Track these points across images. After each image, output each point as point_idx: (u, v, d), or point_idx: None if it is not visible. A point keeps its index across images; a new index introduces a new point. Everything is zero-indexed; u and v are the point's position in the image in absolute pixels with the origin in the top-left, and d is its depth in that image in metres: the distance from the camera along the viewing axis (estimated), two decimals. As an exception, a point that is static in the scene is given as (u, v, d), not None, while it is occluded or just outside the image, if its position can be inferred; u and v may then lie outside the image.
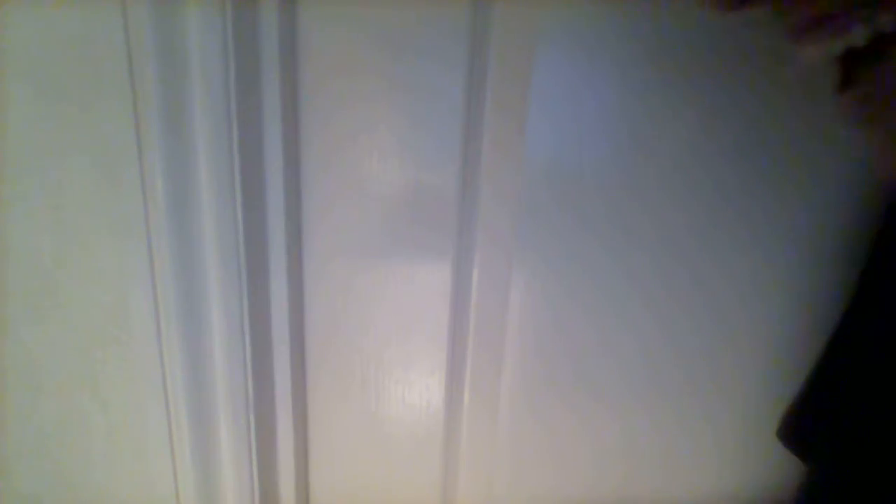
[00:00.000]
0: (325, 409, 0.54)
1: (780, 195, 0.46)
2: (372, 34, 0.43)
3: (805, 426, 0.46)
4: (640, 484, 0.55)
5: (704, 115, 0.44)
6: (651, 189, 0.46)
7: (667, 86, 0.43)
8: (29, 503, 0.54)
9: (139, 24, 0.38)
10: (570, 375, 0.51)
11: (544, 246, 0.47)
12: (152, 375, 0.48)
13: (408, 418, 0.53)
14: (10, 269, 0.47)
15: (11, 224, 0.45)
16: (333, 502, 0.57)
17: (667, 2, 0.41)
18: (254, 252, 0.45)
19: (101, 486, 0.53)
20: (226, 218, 0.43)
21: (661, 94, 0.43)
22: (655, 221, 0.46)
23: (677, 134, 0.44)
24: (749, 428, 0.53)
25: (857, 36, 0.24)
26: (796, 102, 0.43)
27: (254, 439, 0.50)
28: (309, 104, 0.45)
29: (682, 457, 0.54)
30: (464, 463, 0.55)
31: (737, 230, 0.47)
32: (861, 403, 0.41)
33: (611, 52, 0.42)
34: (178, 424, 0.48)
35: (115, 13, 0.38)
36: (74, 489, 0.54)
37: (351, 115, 0.44)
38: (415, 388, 0.52)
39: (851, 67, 0.26)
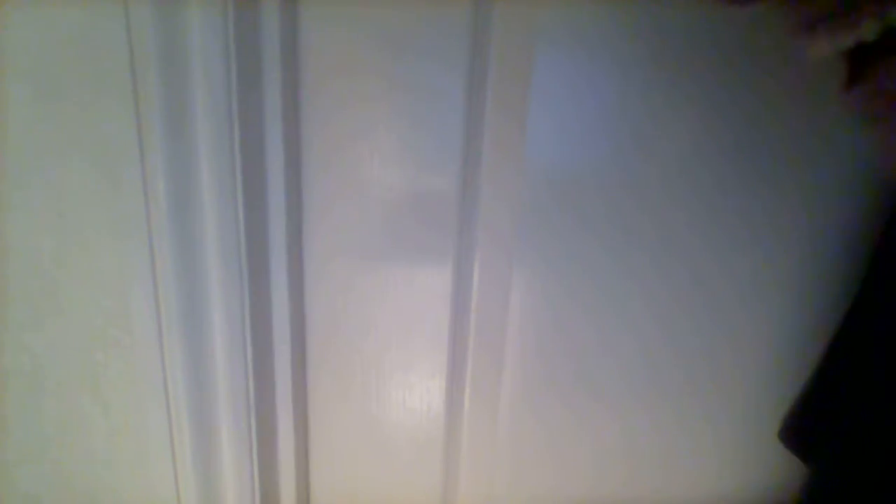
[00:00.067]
0: (326, 410, 0.54)
1: (781, 195, 0.46)
2: (373, 34, 0.43)
3: (806, 427, 0.46)
4: (641, 484, 0.55)
5: (705, 115, 0.44)
6: (652, 189, 0.46)
7: (668, 85, 0.43)
8: (29, 505, 0.54)
9: (141, 24, 0.38)
10: (571, 376, 0.51)
11: (545, 246, 0.47)
12: (153, 377, 0.48)
13: (408, 421, 0.53)
14: (10, 270, 0.47)
15: (12, 225, 0.45)
16: (334, 504, 0.57)
17: (668, 1, 0.41)
18: (255, 253, 0.45)
19: (101, 488, 0.53)
20: (227, 218, 0.43)
21: (663, 94, 0.43)
22: (656, 221, 0.46)
23: (678, 133, 0.44)
24: (750, 428, 0.52)
25: (868, 30, 0.24)
26: (798, 102, 0.43)
27: (255, 441, 0.50)
28: (310, 104, 0.45)
29: (682, 457, 0.54)
30: (464, 464, 0.55)
31: (737, 230, 0.47)
32: (863, 405, 0.41)
33: (611, 52, 0.42)
34: (178, 426, 0.48)
35: (117, 13, 0.38)
36: (75, 491, 0.53)
37: (352, 115, 0.44)
38: (415, 391, 0.52)
39: (859, 63, 0.26)
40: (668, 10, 0.41)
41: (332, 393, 0.53)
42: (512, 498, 0.55)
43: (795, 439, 0.47)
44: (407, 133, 0.45)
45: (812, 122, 0.44)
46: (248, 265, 0.44)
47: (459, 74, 0.43)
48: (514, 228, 0.47)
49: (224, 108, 0.40)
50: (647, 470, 0.54)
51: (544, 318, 0.50)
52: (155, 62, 0.38)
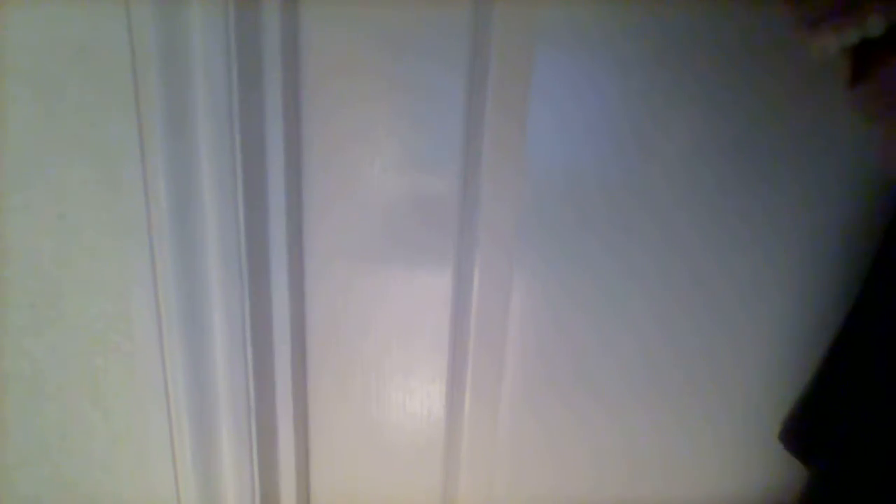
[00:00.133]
0: (326, 412, 0.54)
1: (782, 195, 0.46)
2: (373, 34, 0.43)
3: (808, 429, 0.46)
4: (641, 485, 0.54)
5: (706, 114, 0.44)
6: (652, 188, 0.46)
7: (668, 84, 0.43)
8: (28, 508, 0.54)
9: (142, 24, 0.38)
10: (571, 377, 0.51)
11: (545, 246, 0.47)
12: (154, 381, 0.47)
13: (409, 422, 0.53)
14: (11, 274, 0.46)
15: (12, 227, 0.45)
16: (334, 506, 0.57)
17: (669, 0, 0.41)
18: (255, 253, 0.45)
19: (102, 492, 0.53)
20: (228, 219, 0.43)
21: (663, 93, 0.43)
22: (657, 221, 0.46)
23: (679, 133, 0.44)
24: (750, 429, 0.52)
25: (873, 26, 0.23)
26: (798, 101, 0.43)
27: (255, 444, 0.49)
28: (310, 104, 0.45)
29: (682, 458, 0.54)
30: (464, 465, 0.54)
31: (738, 230, 0.47)
32: (864, 407, 0.40)
33: (612, 51, 0.43)
34: (179, 430, 0.48)
35: (118, 13, 0.38)
36: (75, 494, 0.53)
37: (352, 115, 0.44)
38: (416, 393, 0.52)
39: (863, 61, 0.26)
40: (668, 9, 0.41)
41: (332, 394, 0.53)
42: (512, 499, 0.55)
43: (796, 441, 0.47)
44: (407, 133, 0.45)
45: (813, 122, 0.44)
46: (248, 266, 0.44)
47: (460, 74, 0.43)
48: (514, 228, 0.47)
49: (225, 109, 0.40)
50: (647, 471, 0.54)
51: (545, 318, 0.50)
52: (156, 62, 0.38)
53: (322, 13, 0.42)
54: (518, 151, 0.45)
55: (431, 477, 0.55)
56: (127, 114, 0.40)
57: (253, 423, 0.49)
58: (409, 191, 0.46)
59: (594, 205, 0.46)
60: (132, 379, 0.48)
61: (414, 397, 0.52)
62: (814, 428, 0.45)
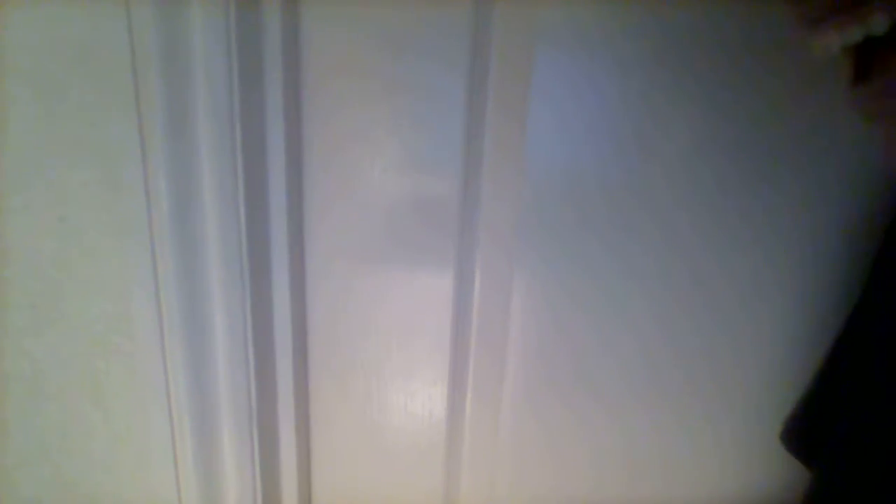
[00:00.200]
0: (328, 413, 0.54)
1: (782, 195, 0.46)
2: (373, 34, 0.43)
3: (809, 430, 0.46)
4: (642, 486, 0.54)
5: (707, 114, 0.44)
6: (653, 188, 0.46)
7: (669, 84, 0.43)
8: (29, 510, 0.54)
9: (143, 25, 0.38)
10: (572, 377, 0.51)
11: (546, 247, 0.47)
12: (155, 383, 0.47)
13: (410, 423, 0.53)
14: (12, 274, 0.46)
15: (12, 228, 0.45)
16: (335, 507, 0.57)
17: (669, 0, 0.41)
18: (256, 254, 0.45)
19: (102, 493, 0.53)
20: (229, 220, 0.43)
21: (663, 93, 0.43)
22: (657, 221, 0.46)
23: (679, 133, 0.44)
24: (751, 429, 0.52)
25: (877, 24, 0.23)
26: (799, 101, 0.43)
27: (256, 445, 0.49)
28: (311, 104, 0.45)
29: (683, 459, 0.53)
30: (466, 466, 0.54)
31: (739, 229, 0.47)
32: (866, 407, 0.40)
33: (612, 51, 0.43)
34: (180, 430, 0.48)
35: (118, 13, 0.38)
36: (76, 495, 0.53)
37: (352, 115, 0.44)
38: (417, 394, 0.52)
39: (866, 60, 0.26)
40: (668, 9, 0.41)
41: (333, 395, 0.53)
42: (513, 499, 0.55)
43: (797, 442, 0.47)
44: (408, 133, 0.45)
45: (813, 122, 0.44)
46: (249, 267, 0.44)
47: (460, 74, 0.43)
48: (515, 229, 0.47)
49: (226, 109, 0.40)
50: (647, 471, 0.54)
51: (545, 318, 0.50)
52: (156, 63, 0.38)
53: (322, 13, 0.42)
54: (518, 152, 0.45)
55: (433, 478, 0.55)
56: (127, 114, 0.40)
57: (254, 424, 0.49)
58: (410, 191, 0.46)
59: (594, 205, 0.46)
60: (133, 379, 0.48)
61: (415, 398, 0.52)
62: (815, 429, 0.45)
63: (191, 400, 0.47)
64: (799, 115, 0.44)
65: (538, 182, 0.46)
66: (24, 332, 0.48)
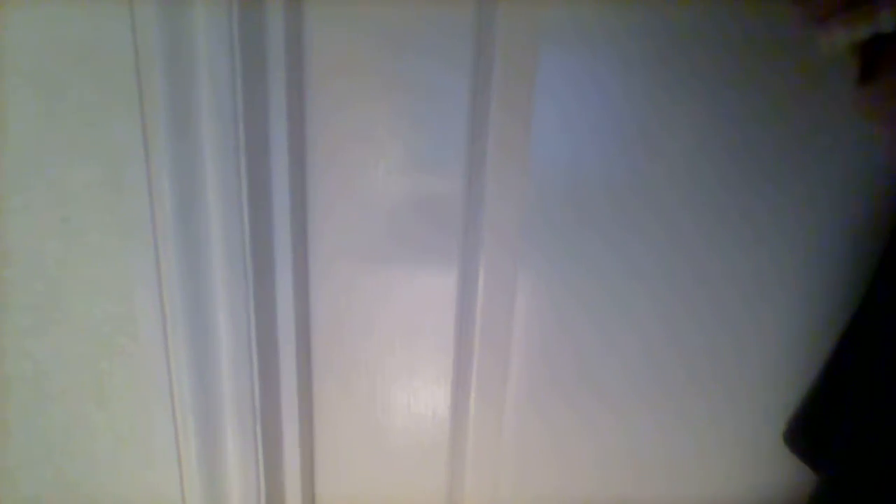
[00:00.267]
0: (331, 413, 0.54)
1: (786, 194, 0.46)
2: (377, 34, 0.42)
3: (812, 431, 0.46)
4: (646, 486, 0.54)
5: (711, 113, 0.44)
6: (657, 188, 0.45)
7: (673, 83, 0.43)
8: (31, 511, 0.54)
9: (146, 24, 0.38)
10: (576, 377, 0.51)
11: (550, 246, 0.47)
12: (159, 384, 0.47)
13: (413, 423, 0.53)
14: (15, 275, 0.46)
15: (16, 229, 0.45)
16: (339, 508, 0.56)
17: None
18: (260, 254, 0.45)
19: (105, 494, 0.52)
20: (232, 219, 0.43)
21: (668, 92, 0.43)
22: (661, 221, 0.46)
23: (684, 132, 0.44)
24: (758, 429, 0.52)
25: (885, 21, 0.23)
26: (803, 100, 0.43)
27: (260, 445, 0.49)
28: (314, 104, 0.44)
29: (687, 459, 0.53)
30: (469, 466, 0.54)
31: (743, 229, 0.47)
32: (870, 408, 0.40)
33: (616, 50, 0.42)
34: (184, 431, 0.48)
35: (121, 13, 0.38)
36: (78, 496, 0.53)
37: (356, 114, 0.44)
38: (420, 395, 0.52)
39: (873, 59, 0.26)
40: (672, 8, 0.41)
41: (336, 395, 0.53)
42: (517, 499, 0.55)
43: (801, 443, 0.47)
44: (411, 133, 0.45)
45: (818, 121, 0.44)
46: (252, 267, 0.44)
47: (464, 74, 0.43)
48: (519, 228, 0.47)
49: (229, 109, 0.40)
50: (652, 471, 0.54)
51: (549, 318, 0.49)
52: (159, 62, 0.38)
53: (325, 13, 0.42)
54: (522, 151, 0.45)
55: (436, 478, 0.55)
56: (130, 114, 0.40)
57: (258, 424, 0.49)
58: (414, 191, 0.46)
59: (598, 204, 0.46)
60: (136, 380, 0.48)
61: (419, 398, 0.52)
62: (818, 429, 0.45)
63: (194, 400, 0.47)
64: (803, 114, 0.43)
65: (542, 181, 0.46)
66: (27, 332, 0.48)
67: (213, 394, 0.47)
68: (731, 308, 0.49)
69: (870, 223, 0.46)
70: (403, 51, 0.43)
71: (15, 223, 0.45)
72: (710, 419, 0.52)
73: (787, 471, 0.52)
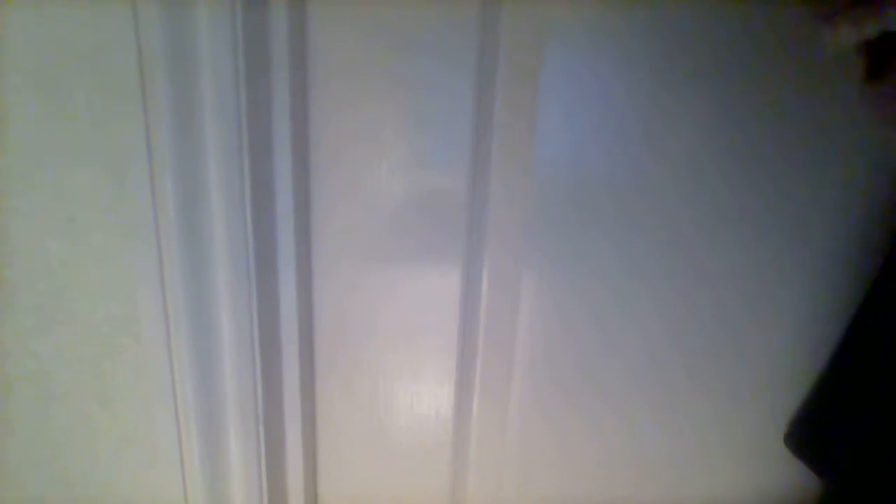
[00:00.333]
0: (334, 414, 0.53)
1: (788, 194, 0.46)
2: (381, 33, 0.42)
3: (814, 433, 0.46)
4: (649, 487, 0.54)
5: (714, 113, 0.44)
6: (660, 188, 0.45)
7: (677, 83, 0.43)
8: (35, 511, 0.54)
9: (149, 24, 0.38)
10: (579, 378, 0.51)
11: (553, 246, 0.47)
12: (162, 384, 0.47)
13: (416, 424, 0.53)
14: (19, 275, 0.46)
15: (20, 230, 0.45)
16: (342, 508, 0.56)
17: None
18: (263, 254, 0.45)
19: (109, 494, 0.52)
20: (235, 220, 0.42)
21: (671, 92, 0.43)
22: (664, 221, 0.46)
23: (687, 132, 0.44)
24: (759, 429, 0.52)
25: (893, 19, 0.23)
26: (807, 99, 0.43)
27: (263, 446, 0.49)
28: (318, 104, 0.44)
29: (691, 460, 0.53)
30: (473, 467, 0.54)
31: (746, 229, 0.46)
32: (873, 411, 0.40)
33: (620, 50, 0.42)
34: (187, 433, 0.48)
35: (124, 13, 0.38)
36: (82, 495, 0.53)
37: (360, 114, 0.44)
38: (423, 395, 0.52)
39: (882, 58, 0.25)
40: (676, 8, 0.41)
41: (339, 395, 0.53)
42: (521, 500, 0.55)
43: (802, 446, 0.47)
44: (415, 132, 0.45)
45: (821, 121, 0.43)
46: (255, 267, 0.44)
47: (468, 73, 0.43)
48: (523, 228, 0.47)
49: (232, 109, 0.40)
50: (655, 472, 0.54)
51: (553, 319, 0.49)
52: (163, 62, 0.38)
53: (329, 13, 0.42)
54: (527, 151, 0.45)
55: (439, 479, 0.55)
56: (134, 114, 0.40)
57: (261, 424, 0.48)
58: (417, 190, 0.46)
59: (602, 204, 0.46)
60: (140, 380, 0.48)
61: (422, 398, 0.52)
62: (820, 432, 0.45)
63: (197, 400, 0.47)
64: (806, 113, 0.43)
65: (546, 181, 0.46)
66: (31, 332, 0.48)
67: (215, 394, 0.47)
68: (733, 308, 0.49)
69: (872, 223, 0.46)
70: (407, 50, 0.43)
71: (18, 223, 0.45)
72: (714, 420, 0.52)
73: (793, 471, 0.52)
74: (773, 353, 0.50)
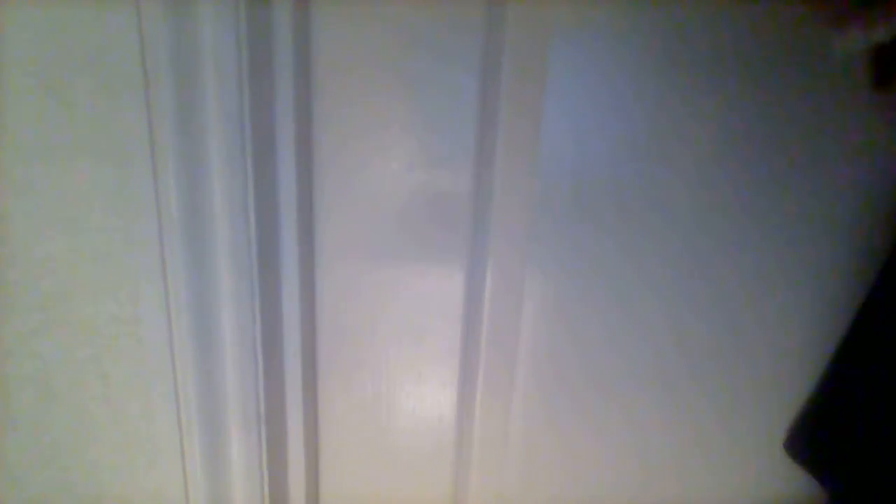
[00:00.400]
0: (336, 414, 0.53)
1: (794, 195, 0.45)
2: (385, 31, 0.42)
3: (815, 439, 0.45)
4: (653, 489, 0.54)
5: (721, 114, 0.43)
6: (665, 188, 0.45)
7: (683, 83, 0.43)
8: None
9: (153, 24, 0.37)
10: (583, 379, 0.51)
11: (558, 246, 0.47)
12: (164, 383, 0.47)
13: (419, 424, 0.53)
14: (21, 276, 0.46)
15: (22, 231, 0.45)
16: (344, 510, 0.56)
17: None
18: (266, 253, 0.45)
19: (110, 494, 0.52)
20: (238, 218, 0.42)
21: (678, 92, 0.43)
22: (669, 221, 0.46)
23: (693, 132, 0.44)
24: (764, 430, 0.52)
25: None
26: (812, 100, 0.43)
27: (264, 445, 0.49)
28: (321, 102, 0.44)
29: (695, 460, 0.53)
30: (475, 468, 0.54)
31: (750, 231, 0.46)
32: (873, 413, 0.40)
33: (626, 50, 0.42)
34: (188, 431, 0.48)
35: (128, 13, 0.38)
36: (84, 495, 0.53)
37: (363, 112, 0.44)
38: (426, 395, 0.52)
39: (891, 64, 0.25)
40: (682, 8, 0.41)
41: (341, 395, 0.53)
42: (523, 501, 0.55)
43: (802, 452, 0.47)
44: (420, 131, 0.44)
45: (825, 122, 0.43)
46: (258, 265, 0.44)
47: (473, 72, 0.43)
48: (527, 228, 0.47)
49: (235, 107, 0.40)
50: (659, 473, 0.54)
51: (556, 319, 0.49)
52: (166, 60, 0.38)
53: (334, 11, 0.42)
54: (531, 150, 0.45)
55: (441, 479, 0.55)
56: (137, 113, 0.40)
57: (262, 424, 0.48)
58: (421, 189, 0.46)
59: (606, 204, 0.46)
60: (141, 380, 0.48)
61: (424, 398, 0.52)
62: (821, 437, 0.45)
63: (199, 400, 0.47)
64: (811, 116, 0.43)
65: (551, 181, 0.45)
66: (33, 333, 0.48)
67: (217, 394, 0.47)
68: (738, 310, 0.49)
69: (877, 226, 0.46)
70: (412, 49, 0.43)
71: (20, 224, 0.45)
72: (718, 421, 0.52)
73: (796, 473, 0.52)
74: (778, 354, 0.50)
